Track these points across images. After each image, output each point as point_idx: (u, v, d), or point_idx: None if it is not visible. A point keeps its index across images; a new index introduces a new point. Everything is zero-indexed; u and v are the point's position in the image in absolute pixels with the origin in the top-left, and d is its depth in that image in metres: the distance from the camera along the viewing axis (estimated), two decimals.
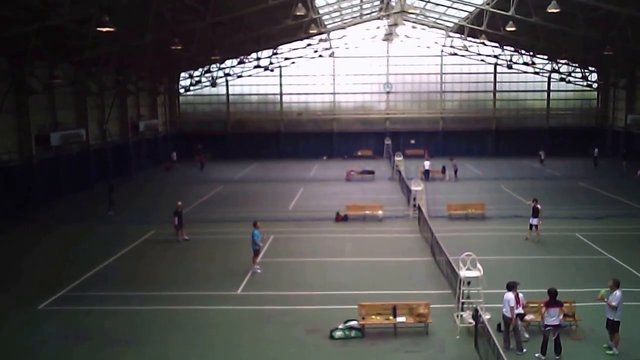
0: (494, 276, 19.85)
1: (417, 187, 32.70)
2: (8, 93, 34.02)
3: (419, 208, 31.32)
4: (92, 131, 45.50)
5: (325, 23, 53.57)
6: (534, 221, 27.45)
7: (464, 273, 17.12)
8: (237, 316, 18.82)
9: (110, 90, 46.91)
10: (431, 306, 18.06)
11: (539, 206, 27.61)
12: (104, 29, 22.95)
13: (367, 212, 33.06)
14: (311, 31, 46.99)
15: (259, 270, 23.17)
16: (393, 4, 44.11)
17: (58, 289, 21.44)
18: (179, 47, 32.09)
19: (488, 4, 41.21)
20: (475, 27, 47.90)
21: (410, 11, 49.49)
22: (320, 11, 45.57)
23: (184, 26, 31.08)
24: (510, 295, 15.84)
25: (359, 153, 64.88)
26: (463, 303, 17.37)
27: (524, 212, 30.77)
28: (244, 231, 29.01)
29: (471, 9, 47.49)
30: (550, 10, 29.53)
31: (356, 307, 18.11)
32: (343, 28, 57.72)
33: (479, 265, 17.12)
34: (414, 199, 32.72)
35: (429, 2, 48.25)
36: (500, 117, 66.23)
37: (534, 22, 37.37)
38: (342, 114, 66.69)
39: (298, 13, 31.48)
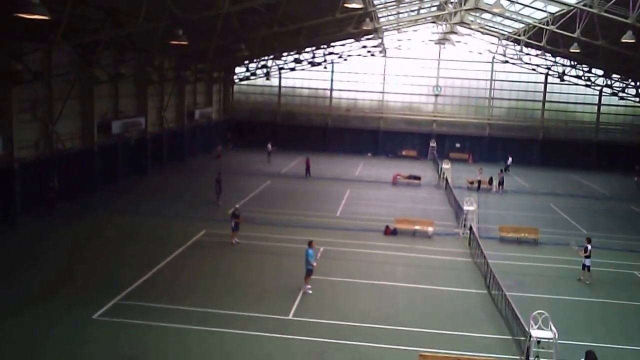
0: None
1: (469, 206, 30.88)
2: (75, 82, 33.15)
3: (471, 228, 29.55)
4: (150, 118, 44.58)
5: (383, 28, 51.59)
6: (587, 261, 25.13)
7: (535, 333, 15.38)
8: (289, 348, 17.36)
9: (170, 80, 45.87)
10: (493, 356, 16.51)
11: (589, 246, 25.29)
12: (177, 42, 21.58)
13: (417, 227, 31.30)
14: (368, 37, 45.00)
15: (310, 292, 21.69)
16: (452, 15, 41.81)
17: (112, 296, 20.26)
18: (245, 54, 30.71)
19: (550, 21, 38.49)
20: (534, 42, 45.20)
21: (472, 26, 47.10)
22: (381, 19, 43.65)
23: (250, 33, 29.55)
24: None
25: (404, 153, 63.10)
26: None
27: (579, 241, 28.40)
28: (293, 239, 28.17)
29: (531, 21, 44.78)
30: (624, 40, 27.10)
31: (411, 348, 16.98)
32: (397, 30, 55.56)
33: (553, 327, 15.35)
34: (465, 219, 30.93)
35: (487, 12, 45.60)
36: (548, 127, 63.32)
37: (600, 45, 34.76)
38: (390, 113, 64.67)
39: (366, 28, 29.73)
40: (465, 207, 31.05)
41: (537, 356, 15.63)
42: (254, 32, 29.54)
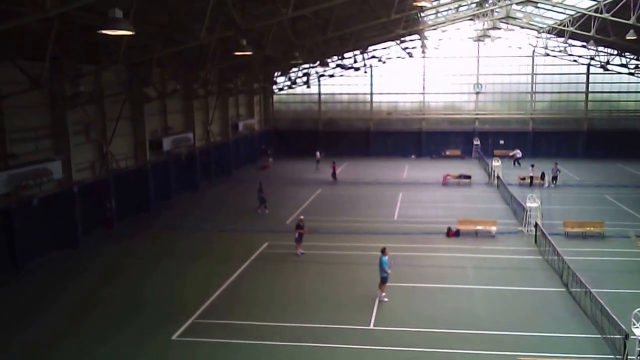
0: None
1: (532, 203, 29.96)
2: (126, 101, 33.26)
3: (536, 225, 28.66)
4: (197, 133, 44.64)
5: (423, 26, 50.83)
6: None
7: (639, 331, 14.57)
8: (377, 358, 16.86)
9: (214, 94, 45.90)
10: (588, 356, 15.72)
11: None
12: (241, 53, 21.29)
13: (479, 227, 30.50)
14: (412, 38, 44.28)
15: (386, 299, 21.12)
16: (497, 10, 40.79)
17: (187, 316, 19.98)
18: (300, 62, 30.39)
19: (599, 11, 37.19)
20: (582, 32, 43.86)
21: (521, 20, 45.82)
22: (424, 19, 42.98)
23: (302, 40, 29.22)
24: None
25: (447, 153, 62.05)
26: None
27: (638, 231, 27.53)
28: (356, 246, 27.89)
29: (574, 11, 43.44)
30: None
31: (501, 352, 16.54)
32: (435, 28, 54.69)
33: None
34: (529, 216, 30.01)
35: (536, 5, 44.44)
36: (592, 119, 61.67)
37: None
38: (431, 113, 63.72)
39: (421, 27, 29.19)
40: (528, 204, 30.15)
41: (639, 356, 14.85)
42: (305, 39, 29.16)
